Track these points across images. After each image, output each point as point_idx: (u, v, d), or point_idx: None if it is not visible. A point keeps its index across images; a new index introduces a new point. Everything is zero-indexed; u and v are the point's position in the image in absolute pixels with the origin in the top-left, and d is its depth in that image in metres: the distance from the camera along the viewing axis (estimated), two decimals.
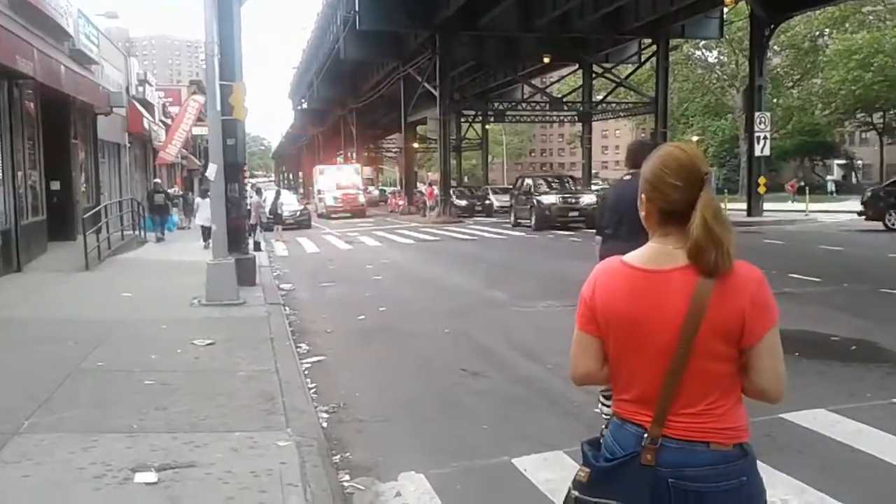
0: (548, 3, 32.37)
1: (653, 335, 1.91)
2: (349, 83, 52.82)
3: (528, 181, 31.01)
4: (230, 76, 12.14)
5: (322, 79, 55.25)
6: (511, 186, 49.47)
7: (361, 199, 44.36)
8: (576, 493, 1.99)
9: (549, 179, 32.76)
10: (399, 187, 54.45)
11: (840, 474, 4.38)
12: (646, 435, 1.93)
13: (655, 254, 1.98)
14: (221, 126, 11.44)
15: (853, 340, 7.95)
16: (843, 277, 12.74)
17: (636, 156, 5.50)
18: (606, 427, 2.08)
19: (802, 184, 42.07)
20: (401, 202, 46.43)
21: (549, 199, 27.45)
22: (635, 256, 2.00)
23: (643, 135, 60.26)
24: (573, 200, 27.48)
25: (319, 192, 46.26)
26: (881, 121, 60.47)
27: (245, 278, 11.79)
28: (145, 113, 28.40)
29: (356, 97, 54.40)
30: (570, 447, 4.77)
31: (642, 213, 2.07)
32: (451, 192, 40.52)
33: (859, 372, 6.77)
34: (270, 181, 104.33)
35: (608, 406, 5.18)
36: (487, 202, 41.38)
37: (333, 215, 41.22)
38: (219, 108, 11.39)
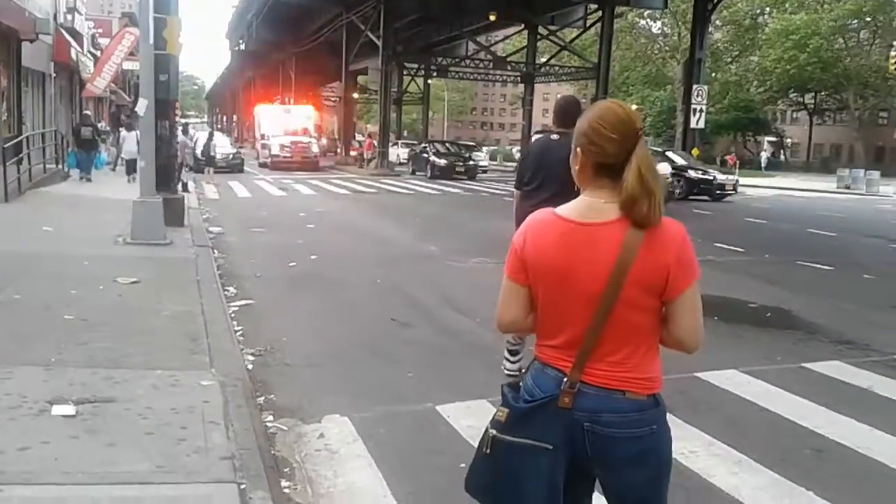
0: None
1: (581, 285, 1.97)
2: (290, 27, 51.38)
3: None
4: (164, 9, 11.69)
5: (262, 20, 53.59)
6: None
7: (315, 148, 36.77)
8: (493, 431, 2.05)
9: None
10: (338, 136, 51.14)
11: (747, 430, 4.59)
12: (565, 379, 2.00)
13: (587, 207, 2.02)
14: (154, 60, 11.03)
15: (769, 308, 8.27)
16: (765, 248, 13.20)
17: (566, 116, 5.21)
18: (522, 376, 2.15)
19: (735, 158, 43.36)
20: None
21: None
22: (567, 209, 2.05)
23: (584, 101, 60.73)
24: None
25: (263, 136, 39.04)
26: (812, 101, 62.49)
27: (173, 219, 11.51)
28: (73, 42, 27.10)
29: (297, 42, 52.97)
30: (493, 397, 4.85)
31: (576, 167, 2.08)
32: (428, 147, 36.13)
33: (772, 337, 7.07)
34: (203, 122, 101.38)
35: (513, 363, 5.30)
36: (471, 163, 35.05)
37: (280, 166, 34.09)
38: (152, 41, 10.97)
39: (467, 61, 48.09)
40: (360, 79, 54.51)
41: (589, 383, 1.99)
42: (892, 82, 45.24)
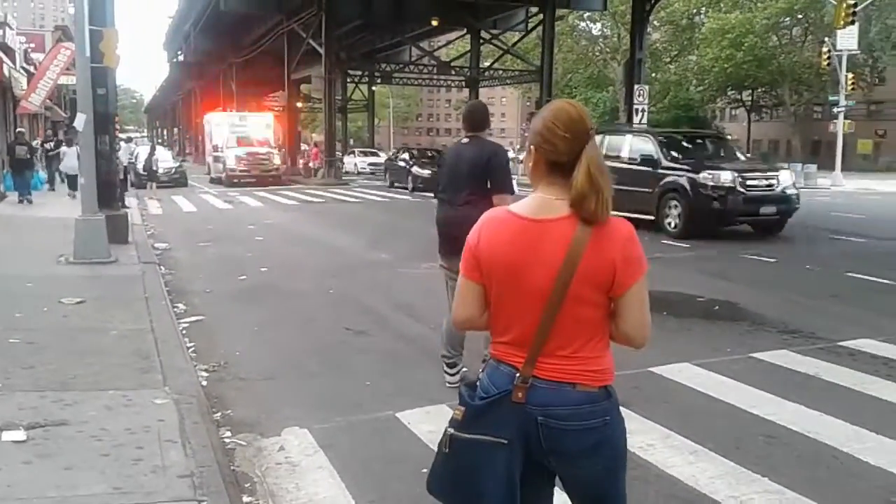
0: None
1: (532, 281, 2.02)
2: (230, 36, 50.74)
3: (639, 141, 15.90)
4: (101, 21, 11.45)
5: (200, 30, 52.81)
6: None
7: (276, 160, 33.26)
8: (451, 430, 2.10)
9: (673, 136, 17.64)
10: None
11: (701, 421, 4.69)
12: (518, 374, 2.06)
13: (540, 204, 2.06)
14: (91, 74, 10.80)
15: (716, 301, 8.46)
16: (710, 243, 13.48)
17: (473, 120, 5.34)
18: (480, 373, 2.18)
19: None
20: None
21: (724, 177, 14.05)
22: (521, 206, 2.09)
23: (528, 104, 61.27)
24: (763, 181, 14.65)
25: (216, 148, 34.76)
26: (749, 98, 64.15)
27: (116, 236, 11.27)
28: (5, 58, 26.35)
29: (237, 51, 52.31)
30: (452, 401, 4.89)
31: (529, 164, 2.13)
32: (404, 155, 31.88)
33: (721, 329, 7.23)
34: (143, 136, 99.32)
35: (452, 375, 5.32)
36: None
37: (236, 181, 30.50)
38: (88, 54, 10.76)
39: (411, 67, 48.14)
40: (304, 87, 54.11)
41: (540, 377, 2.03)
42: (825, 78, 46.61)
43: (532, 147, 2.11)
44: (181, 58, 69.71)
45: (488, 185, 5.04)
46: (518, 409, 2.03)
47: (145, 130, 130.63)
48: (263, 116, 37.69)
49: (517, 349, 2.07)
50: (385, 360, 6.19)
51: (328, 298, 8.81)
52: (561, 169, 2.04)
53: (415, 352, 6.44)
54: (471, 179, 5.10)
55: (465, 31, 45.73)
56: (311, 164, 38.62)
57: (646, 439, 4.29)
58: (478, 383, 2.16)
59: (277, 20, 41.22)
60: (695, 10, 57.47)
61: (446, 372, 5.37)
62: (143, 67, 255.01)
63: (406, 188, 28.52)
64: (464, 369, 5.32)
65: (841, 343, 6.54)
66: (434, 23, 39.77)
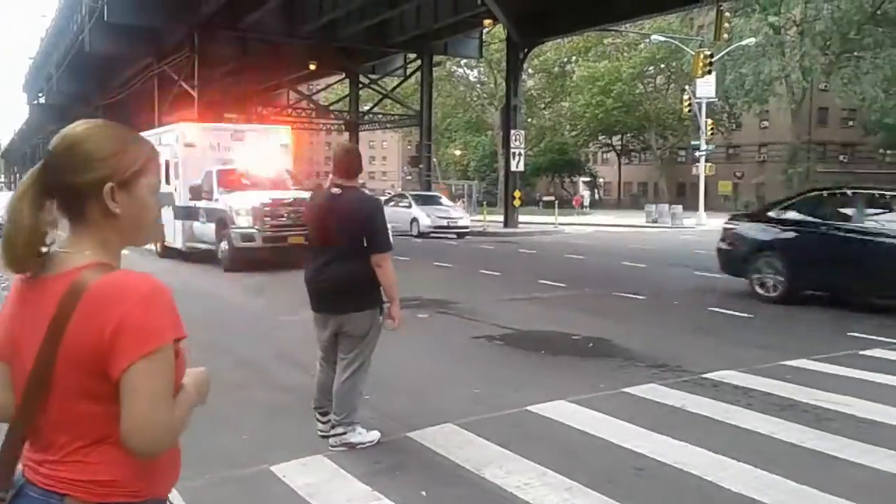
0: (313, 10, 32.30)
1: (21, 360, 1.57)
2: (96, 78, 48.95)
3: None
4: None
5: (64, 71, 50.72)
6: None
7: None
8: None
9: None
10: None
11: (577, 457, 4.80)
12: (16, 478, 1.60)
13: (52, 259, 1.62)
14: None
15: (591, 338, 8.72)
16: (585, 282, 13.98)
17: (348, 166, 4.81)
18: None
19: (552, 198, 45.63)
20: None
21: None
22: None
23: (409, 147, 62.05)
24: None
25: (198, 193, 16.46)
26: (619, 143, 67.64)
27: None
28: None
29: (104, 93, 50.43)
30: (329, 451, 4.85)
31: None
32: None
33: (595, 366, 7.46)
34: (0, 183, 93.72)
35: (323, 423, 5.03)
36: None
37: (258, 255, 15.56)
38: None
39: (289, 110, 47.87)
40: None
41: (36, 483, 1.56)
42: (687, 123, 49.74)
43: None
44: (42, 100, 66.62)
45: (364, 243, 4.74)
46: None
47: (2, 176, 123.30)
48: (275, 132, 20.39)
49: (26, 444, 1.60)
50: (265, 413, 6.03)
51: (205, 352, 8.48)
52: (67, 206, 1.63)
53: (296, 402, 6.24)
54: (345, 235, 4.75)
55: (343, 75, 46.01)
56: None
57: (522, 478, 4.34)
58: None
59: (147, 62, 40.15)
60: (566, 59, 60.32)
61: (318, 420, 5.23)
62: (1, 110, 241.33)
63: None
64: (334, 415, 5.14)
65: (704, 375, 6.87)
66: (312, 67, 39.85)
